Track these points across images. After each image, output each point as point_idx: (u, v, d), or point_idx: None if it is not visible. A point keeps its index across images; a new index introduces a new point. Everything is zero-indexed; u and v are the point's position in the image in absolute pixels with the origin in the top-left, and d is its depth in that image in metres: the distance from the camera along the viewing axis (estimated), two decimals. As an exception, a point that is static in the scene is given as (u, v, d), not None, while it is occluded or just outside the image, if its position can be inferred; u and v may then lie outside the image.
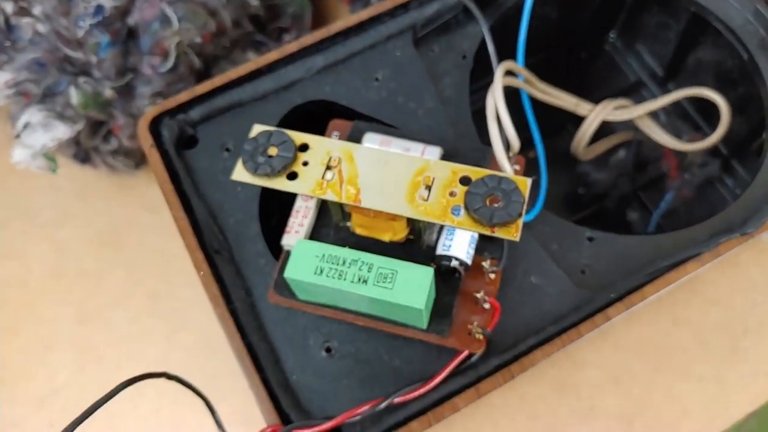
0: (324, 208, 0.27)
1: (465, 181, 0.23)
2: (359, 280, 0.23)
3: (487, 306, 0.25)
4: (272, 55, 0.29)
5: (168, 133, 0.28)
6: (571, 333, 0.24)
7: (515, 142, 0.26)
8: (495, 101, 0.25)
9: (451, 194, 0.23)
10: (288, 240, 0.26)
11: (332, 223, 0.27)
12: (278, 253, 0.27)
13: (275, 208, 0.28)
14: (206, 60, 0.39)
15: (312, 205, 0.27)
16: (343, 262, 0.23)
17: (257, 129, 0.25)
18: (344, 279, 0.23)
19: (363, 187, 0.24)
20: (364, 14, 0.30)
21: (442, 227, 0.25)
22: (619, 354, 0.39)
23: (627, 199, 0.39)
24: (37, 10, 0.37)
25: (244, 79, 0.29)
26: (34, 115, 0.37)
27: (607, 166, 0.38)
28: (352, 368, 0.25)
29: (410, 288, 0.23)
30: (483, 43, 0.31)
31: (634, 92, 0.42)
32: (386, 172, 0.24)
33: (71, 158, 0.41)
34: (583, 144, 0.34)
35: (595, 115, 0.33)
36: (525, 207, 0.23)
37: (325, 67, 0.30)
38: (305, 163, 0.24)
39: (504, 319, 0.26)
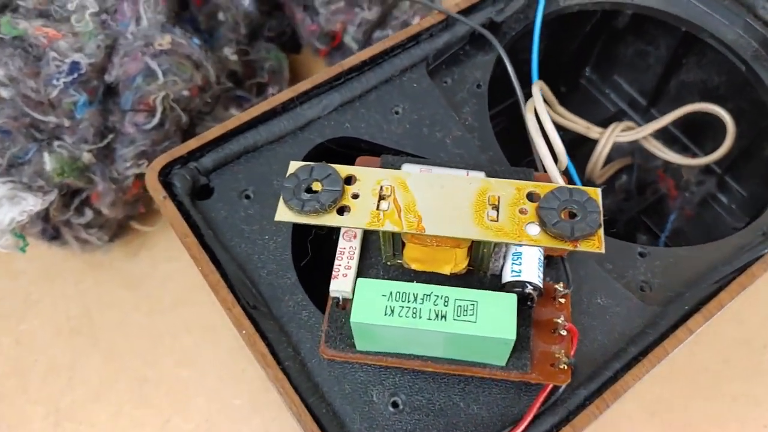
0: (366, 246, 0.25)
1: (532, 197, 0.22)
2: (437, 316, 0.21)
3: (563, 332, 0.23)
4: (285, 94, 0.27)
5: (180, 183, 0.25)
6: (658, 351, 0.23)
7: (564, 158, 0.25)
8: (540, 117, 0.24)
9: (522, 212, 0.21)
10: (337, 286, 0.23)
11: (380, 263, 0.24)
12: (322, 303, 0.24)
13: (312, 254, 0.26)
14: (191, 116, 0.36)
15: (357, 244, 0.24)
16: (415, 299, 0.21)
17: (295, 165, 0.23)
18: (420, 317, 0.21)
19: (424, 214, 0.22)
20: (376, 48, 0.29)
21: (506, 253, 0.23)
22: (647, 383, 0.38)
23: (635, 222, 0.39)
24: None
25: (257, 120, 0.27)
26: (-4, 189, 0.33)
27: (613, 191, 0.38)
28: (426, 421, 0.22)
29: (496, 318, 0.20)
30: (495, 70, 0.31)
31: (617, 122, 0.42)
32: (445, 196, 0.22)
33: (37, 236, 0.36)
34: (599, 166, 0.33)
35: (606, 137, 0.33)
36: (602, 217, 0.21)
37: (342, 104, 0.28)
38: (355, 196, 0.22)
39: (579, 347, 0.24)
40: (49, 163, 0.32)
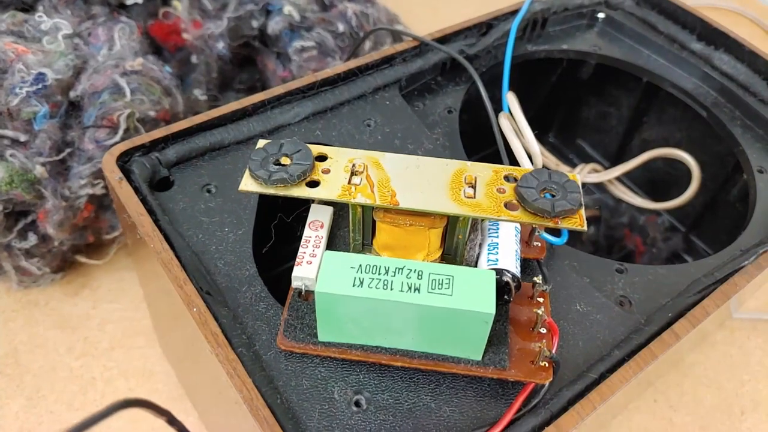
0: (332, 240, 0.23)
1: (510, 179, 0.21)
2: (410, 288, 0.19)
3: (543, 330, 0.21)
4: (258, 96, 0.27)
5: (139, 171, 0.24)
6: (645, 353, 0.21)
7: (539, 159, 0.24)
8: (516, 120, 0.24)
9: (500, 191, 0.21)
10: (301, 272, 0.21)
11: (348, 252, 0.23)
12: (282, 297, 0.22)
13: (275, 247, 0.24)
14: (154, 142, 0.35)
15: (324, 234, 0.23)
16: (386, 271, 0.19)
17: (263, 142, 0.22)
18: (391, 289, 0.19)
19: (398, 189, 0.21)
20: (351, 64, 0.29)
21: (482, 242, 0.22)
22: (625, 450, 0.35)
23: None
24: (-43, 83, 0.32)
25: (227, 118, 0.26)
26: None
27: (582, 243, 0.37)
28: (392, 422, 0.20)
29: (473, 292, 0.19)
30: (466, 99, 0.31)
31: (584, 163, 0.43)
32: (421, 175, 0.21)
33: (-31, 262, 0.34)
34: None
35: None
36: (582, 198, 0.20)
37: (314, 114, 0.28)
38: (326, 171, 0.21)
39: (560, 352, 0.22)
40: (-3, 171, 0.30)
